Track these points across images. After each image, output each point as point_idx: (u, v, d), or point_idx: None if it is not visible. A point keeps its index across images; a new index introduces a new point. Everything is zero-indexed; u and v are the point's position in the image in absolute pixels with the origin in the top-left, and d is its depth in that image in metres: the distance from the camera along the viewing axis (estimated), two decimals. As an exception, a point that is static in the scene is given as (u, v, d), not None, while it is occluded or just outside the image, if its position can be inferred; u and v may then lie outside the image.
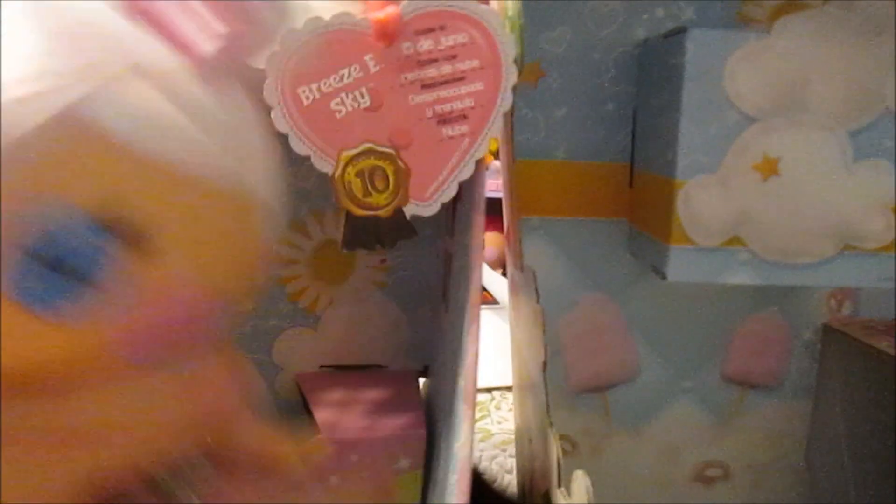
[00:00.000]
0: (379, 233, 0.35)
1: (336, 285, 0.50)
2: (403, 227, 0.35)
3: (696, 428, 0.55)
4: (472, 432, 0.35)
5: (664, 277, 0.44)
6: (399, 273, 0.50)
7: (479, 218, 0.35)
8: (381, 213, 0.34)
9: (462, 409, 0.35)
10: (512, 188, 0.47)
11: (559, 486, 0.38)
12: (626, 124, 0.50)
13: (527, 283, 0.44)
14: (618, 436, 0.55)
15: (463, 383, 0.35)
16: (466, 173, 0.34)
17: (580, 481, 0.34)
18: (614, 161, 0.51)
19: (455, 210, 0.42)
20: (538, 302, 0.41)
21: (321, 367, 0.51)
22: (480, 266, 0.36)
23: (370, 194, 0.34)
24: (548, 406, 0.40)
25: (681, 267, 0.43)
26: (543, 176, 0.51)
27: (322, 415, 0.44)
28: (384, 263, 0.50)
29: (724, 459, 0.55)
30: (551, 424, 0.40)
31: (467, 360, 0.35)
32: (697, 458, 0.55)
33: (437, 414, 0.44)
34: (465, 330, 0.36)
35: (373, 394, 0.47)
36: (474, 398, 0.35)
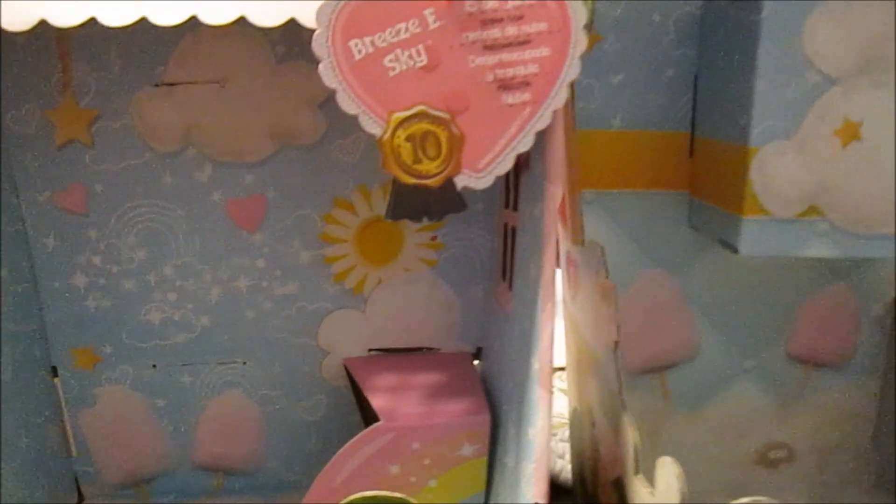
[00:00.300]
0: (427, 203, 0.32)
1: (384, 264, 0.48)
2: (453, 199, 0.32)
3: (759, 409, 0.52)
4: (550, 418, 0.33)
5: (735, 251, 0.42)
6: (450, 251, 0.48)
7: (554, 189, 0.33)
8: (431, 182, 0.31)
9: (537, 394, 0.33)
10: (571, 159, 0.45)
11: (637, 473, 0.36)
12: (686, 90, 0.47)
13: (591, 258, 0.41)
14: (677, 417, 0.52)
15: (538, 366, 0.33)
16: (525, 145, 0.32)
17: (668, 468, 0.32)
18: (674, 130, 0.48)
19: (518, 182, 0.39)
20: (607, 277, 0.39)
21: (370, 350, 0.49)
22: (554, 240, 0.33)
23: (420, 161, 0.31)
24: (620, 388, 0.38)
25: (754, 239, 0.41)
26: (598, 147, 0.48)
27: (378, 401, 0.42)
28: (434, 241, 0.48)
29: (788, 441, 0.53)
30: (625, 407, 0.38)
31: (542, 341, 0.33)
32: (760, 440, 0.53)
33: (499, 398, 0.41)
34: (538, 309, 0.33)
35: (428, 378, 0.45)
36: (551, 382, 0.33)
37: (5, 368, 0.41)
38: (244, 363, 0.49)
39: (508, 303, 0.40)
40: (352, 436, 0.49)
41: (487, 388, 0.44)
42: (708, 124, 0.46)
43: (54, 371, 0.48)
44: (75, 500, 0.50)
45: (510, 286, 0.40)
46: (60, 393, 0.48)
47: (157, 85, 0.43)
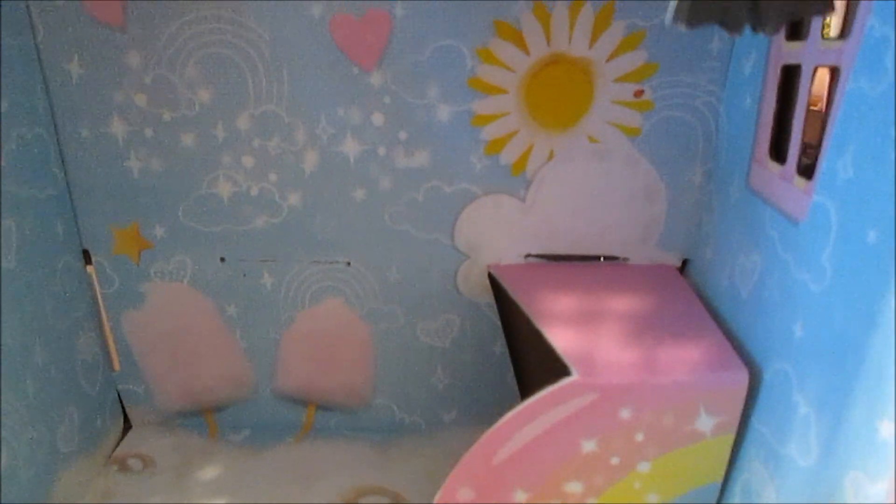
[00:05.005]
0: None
1: (561, 130, 0.32)
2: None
3: None
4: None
5: None
6: (662, 114, 0.32)
7: None
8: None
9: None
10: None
11: None
12: None
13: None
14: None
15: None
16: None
17: None
18: None
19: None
20: None
21: (527, 256, 0.34)
22: None
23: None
24: None
25: None
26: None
27: (563, 341, 0.27)
28: (640, 97, 0.31)
29: None
30: None
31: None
32: None
33: (751, 344, 0.26)
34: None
35: (629, 303, 0.30)
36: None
37: (5, 250, 0.28)
38: (348, 264, 0.35)
39: (797, 198, 0.24)
40: (494, 372, 0.36)
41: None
42: None
43: (86, 257, 0.34)
44: (120, 428, 0.38)
45: (802, 171, 0.24)
46: (96, 287, 0.36)
47: None
